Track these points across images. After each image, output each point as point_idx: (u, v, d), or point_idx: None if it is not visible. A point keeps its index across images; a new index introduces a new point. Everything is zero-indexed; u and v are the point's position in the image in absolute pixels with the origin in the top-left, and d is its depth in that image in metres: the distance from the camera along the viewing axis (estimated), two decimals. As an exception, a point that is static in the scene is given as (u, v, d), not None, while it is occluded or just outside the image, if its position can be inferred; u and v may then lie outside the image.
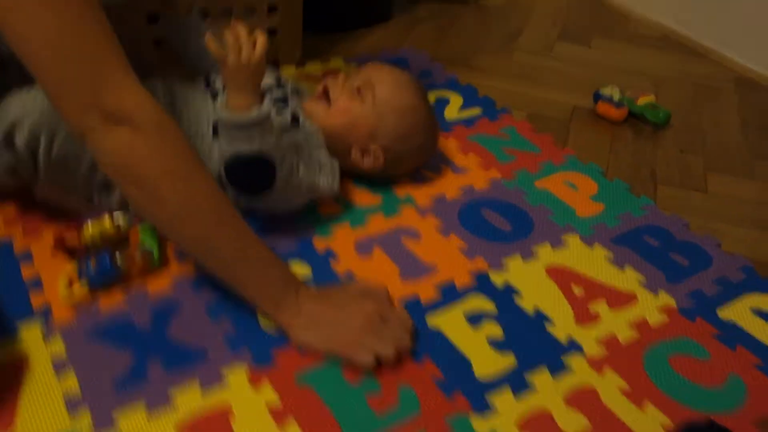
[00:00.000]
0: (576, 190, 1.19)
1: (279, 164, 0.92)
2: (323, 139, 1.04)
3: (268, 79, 1.08)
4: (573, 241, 1.08)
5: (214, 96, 1.03)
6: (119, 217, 0.96)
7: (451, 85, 1.49)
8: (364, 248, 1.02)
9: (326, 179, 1.01)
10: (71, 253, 0.94)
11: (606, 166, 1.28)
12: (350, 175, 1.12)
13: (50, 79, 0.74)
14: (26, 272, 0.92)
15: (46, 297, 0.89)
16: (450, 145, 1.28)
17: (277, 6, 1.40)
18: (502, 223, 1.10)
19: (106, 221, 0.95)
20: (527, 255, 1.04)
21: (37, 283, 0.91)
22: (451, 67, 1.57)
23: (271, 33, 1.45)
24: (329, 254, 1.00)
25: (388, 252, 1.02)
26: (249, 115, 0.88)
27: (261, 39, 0.90)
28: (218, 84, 1.07)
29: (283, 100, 1.06)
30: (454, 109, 1.40)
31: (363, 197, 1.13)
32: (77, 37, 0.73)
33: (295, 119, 1.03)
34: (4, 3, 0.70)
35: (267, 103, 0.91)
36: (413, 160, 1.14)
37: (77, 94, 0.74)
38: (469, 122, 1.36)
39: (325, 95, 1.08)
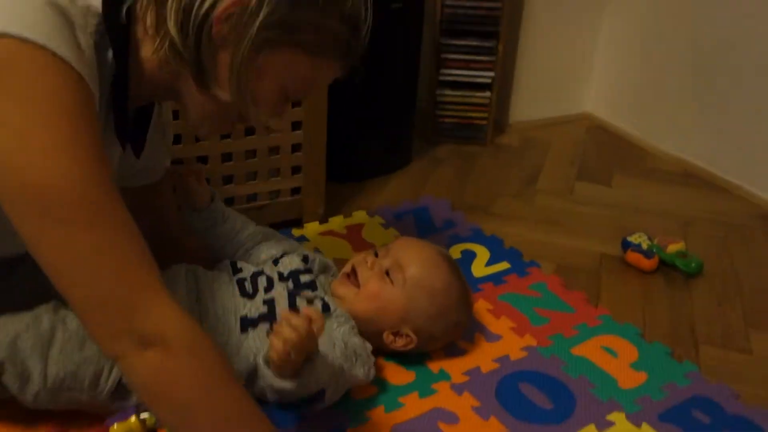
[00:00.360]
0: (615, 357, 1.15)
1: (328, 387, 0.90)
2: (355, 325, 1.01)
3: (294, 263, 1.06)
4: (619, 420, 1.02)
5: (241, 286, 1.01)
6: (146, 415, 0.93)
7: (475, 237, 1.47)
8: (400, 438, 0.97)
9: (362, 369, 0.98)
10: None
11: (643, 324, 1.24)
12: (381, 351, 1.09)
13: (80, 300, 0.72)
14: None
15: None
16: (481, 307, 1.25)
17: (301, 166, 1.42)
18: (542, 401, 1.05)
19: (132, 421, 0.91)
20: (573, 441, 0.98)
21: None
22: (472, 215, 1.56)
23: (295, 192, 1.45)
24: (365, 447, 0.96)
25: (427, 442, 0.97)
26: (293, 383, 0.85)
27: (317, 319, 0.83)
28: (245, 272, 1.05)
29: (311, 286, 1.04)
30: (480, 264, 1.38)
31: (396, 375, 1.08)
32: (112, 256, 0.72)
33: (326, 308, 1.01)
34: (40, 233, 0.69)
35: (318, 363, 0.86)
36: (447, 337, 1.10)
37: (110, 319, 0.71)
38: (497, 279, 1.34)
39: (353, 276, 1.06)
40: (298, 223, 1.48)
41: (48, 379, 0.85)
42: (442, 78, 1.84)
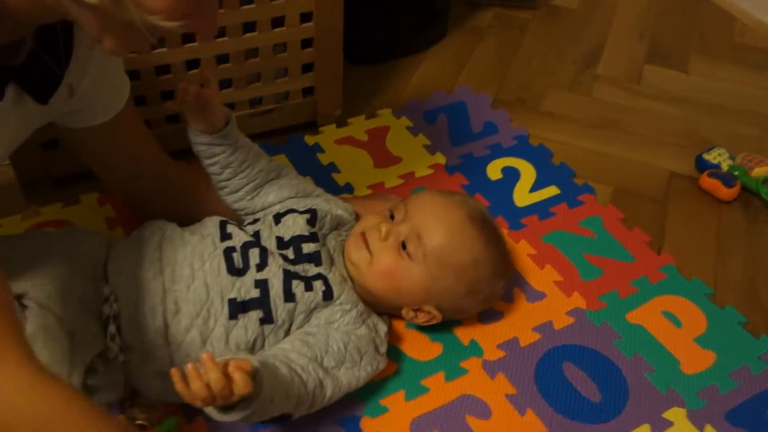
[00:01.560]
0: (679, 328, 0.98)
1: (295, 409, 0.76)
2: (363, 310, 0.85)
3: (298, 226, 0.87)
4: (678, 419, 0.87)
5: (229, 259, 0.82)
6: (135, 414, 0.81)
7: (520, 149, 1.24)
8: (421, 436, 0.84)
9: (369, 368, 0.84)
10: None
11: (714, 280, 1.05)
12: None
13: None
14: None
15: None
16: (522, 250, 1.06)
17: (314, 64, 1.16)
18: (589, 390, 0.90)
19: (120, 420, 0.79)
20: (623, 447, 0.85)
21: None
22: (517, 114, 1.32)
23: (307, 92, 1.21)
24: (381, 448, 0.83)
25: (451, 442, 0.84)
26: (234, 416, 0.69)
27: (238, 378, 0.65)
28: (235, 238, 0.85)
29: (314, 258, 0.85)
30: (525, 189, 1.17)
31: (419, 347, 0.93)
32: None
33: (327, 294, 0.83)
34: None
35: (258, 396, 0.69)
36: (477, 309, 0.93)
37: None
38: (544, 210, 1.13)
39: (366, 240, 0.87)
40: (313, 126, 1.25)
41: None
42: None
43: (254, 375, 0.68)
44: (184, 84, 0.84)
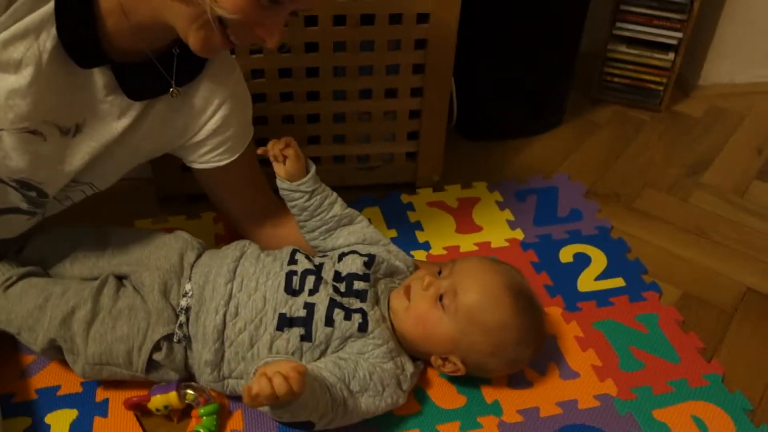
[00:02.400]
0: (704, 435, 0.99)
1: (317, 420, 0.88)
2: (393, 348, 0.96)
3: (355, 265, 1.01)
4: None
5: (289, 281, 0.98)
6: (186, 393, 0.97)
7: (599, 239, 1.30)
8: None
9: (389, 399, 0.94)
10: (142, 413, 0.98)
11: (758, 399, 1.04)
12: (437, 365, 1.03)
13: None
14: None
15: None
16: (569, 332, 1.12)
17: (419, 132, 1.32)
18: (594, 471, 0.94)
19: (172, 396, 0.96)
20: None
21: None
22: (608, 206, 1.38)
23: (410, 156, 1.37)
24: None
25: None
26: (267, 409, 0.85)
27: (295, 378, 0.80)
28: (299, 265, 1.00)
29: (361, 295, 0.98)
30: (591, 276, 1.23)
31: (445, 396, 1.02)
32: None
33: (362, 327, 0.95)
34: None
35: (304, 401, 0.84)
36: (502, 371, 1.01)
37: None
38: (603, 299, 1.18)
39: (408, 292, 1.00)
40: (411, 187, 1.40)
41: (89, 356, 0.93)
42: (616, 32, 1.58)
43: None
44: (271, 142, 1.03)
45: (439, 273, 1.01)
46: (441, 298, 0.97)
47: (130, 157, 0.99)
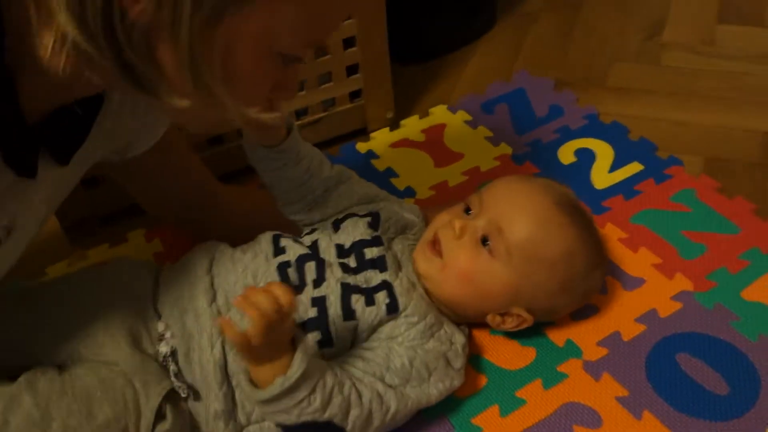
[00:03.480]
0: (807, 301, 0.85)
1: (344, 423, 0.67)
2: (433, 322, 0.75)
3: (359, 230, 0.79)
4: (826, 406, 0.75)
5: (283, 275, 0.75)
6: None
7: (592, 128, 1.13)
8: (525, 454, 0.74)
9: (440, 385, 0.74)
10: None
11: (839, 243, 0.92)
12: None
13: None
14: None
15: None
16: (610, 235, 0.95)
17: (359, 64, 1.09)
18: (714, 381, 0.78)
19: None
20: (764, 445, 0.72)
21: None
22: (584, 93, 1.21)
23: (354, 96, 1.14)
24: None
25: (562, 459, 0.73)
26: (270, 391, 0.63)
27: (283, 296, 0.63)
28: (289, 252, 0.77)
29: (380, 264, 0.76)
30: (603, 170, 1.06)
31: (509, 354, 0.83)
32: None
33: (392, 308, 0.73)
34: None
35: (298, 362, 0.63)
36: (573, 307, 0.83)
37: None
38: (628, 189, 1.02)
39: (439, 245, 0.78)
40: (364, 133, 1.18)
41: None
42: None
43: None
44: None
45: (467, 212, 0.80)
46: (483, 241, 0.76)
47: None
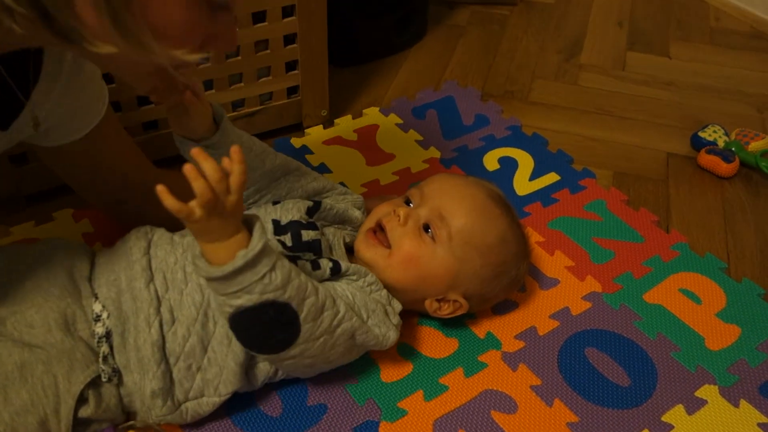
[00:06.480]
0: (699, 304, 0.94)
1: (300, 308, 0.68)
2: (374, 281, 0.79)
3: (295, 213, 0.82)
4: (712, 397, 0.83)
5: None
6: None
7: (515, 139, 1.21)
8: (447, 437, 0.79)
9: (378, 330, 0.77)
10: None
11: (726, 254, 1.02)
12: (414, 312, 0.88)
13: None
14: None
15: None
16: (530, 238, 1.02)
17: (298, 61, 1.12)
18: (617, 374, 0.86)
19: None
20: (658, 431, 0.80)
21: None
22: (508, 105, 1.29)
23: (292, 92, 1.17)
24: (405, 453, 0.77)
25: (480, 440, 0.79)
26: (233, 264, 0.63)
27: (237, 169, 0.64)
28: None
29: (315, 248, 0.79)
30: (524, 178, 1.13)
31: (434, 344, 0.88)
32: None
33: (335, 268, 0.77)
34: None
35: (258, 235, 0.64)
36: (501, 296, 0.89)
37: None
38: (546, 197, 1.09)
39: (382, 233, 0.82)
40: (298, 128, 1.21)
41: None
42: None
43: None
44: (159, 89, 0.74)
45: (408, 204, 0.84)
46: (425, 228, 0.81)
47: None
